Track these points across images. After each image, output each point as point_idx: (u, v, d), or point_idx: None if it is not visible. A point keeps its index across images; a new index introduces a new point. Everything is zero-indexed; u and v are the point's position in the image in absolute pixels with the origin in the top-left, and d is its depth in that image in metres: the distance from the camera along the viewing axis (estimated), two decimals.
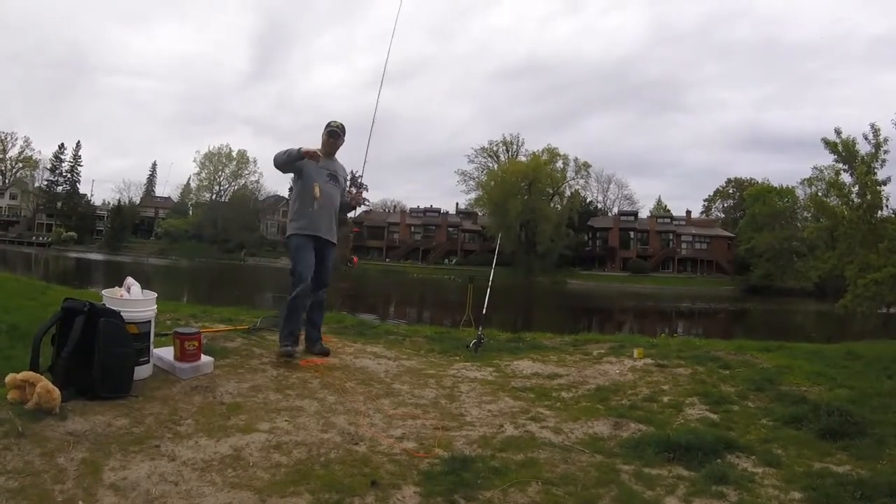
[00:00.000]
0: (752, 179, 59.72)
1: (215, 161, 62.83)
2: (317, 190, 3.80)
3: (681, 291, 42.86)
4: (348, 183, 4.33)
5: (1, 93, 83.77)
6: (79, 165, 61.94)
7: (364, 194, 4.49)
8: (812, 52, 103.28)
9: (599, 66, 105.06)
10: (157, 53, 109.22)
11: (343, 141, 4.10)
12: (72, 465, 1.92)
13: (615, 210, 63.31)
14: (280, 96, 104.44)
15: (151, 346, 3.01)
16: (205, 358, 3.19)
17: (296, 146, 3.79)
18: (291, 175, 4.04)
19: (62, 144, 61.72)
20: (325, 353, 3.91)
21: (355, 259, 4.76)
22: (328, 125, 4.04)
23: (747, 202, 52.74)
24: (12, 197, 61.72)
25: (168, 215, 63.58)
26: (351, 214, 4.70)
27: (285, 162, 3.82)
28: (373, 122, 4.40)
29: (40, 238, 57.08)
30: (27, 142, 64.03)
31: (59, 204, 60.82)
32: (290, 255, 3.90)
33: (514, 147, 58.91)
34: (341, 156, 4.25)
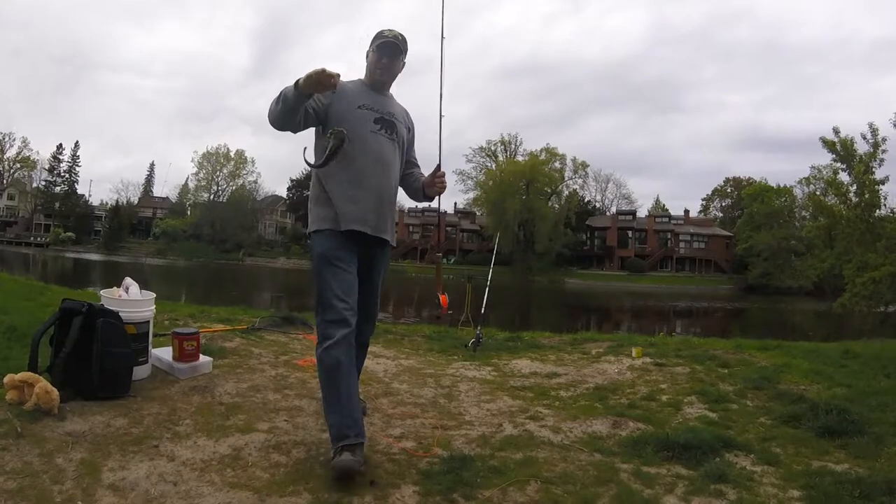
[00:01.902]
0: (750, 179, 59.92)
1: (213, 161, 62.73)
2: (339, 134, 2.07)
3: (679, 290, 42.91)
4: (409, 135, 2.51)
5: None
6: (77, 166, 62.16)
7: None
8: (813, 54, 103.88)
9: (600, 67, 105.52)
10: (158, 51, 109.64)
11: (404, 64, 2.40)
12: (70, 465, 1.92)
13: (613, 209, 63.43)
14: None
15: (150, 347, 3.00)
16: (203, 358, 3.19)
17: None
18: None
19: (60, 145, 61.91)
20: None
21: (444, 299, 3.01)
22: (378, 35, 2.31)
23: (745, 201, 52.90)
24: (10, 197, 61.62)
25: (166, 215, 63.46)
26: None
27: (284, 113, 2.07)
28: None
29: (38, 238, 56.93)
30: (25, 142, 63.87)
31: (56, 204, 60.75)
32: (313, 270, 2.25)
33: (513, 147, 59.07)
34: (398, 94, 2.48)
